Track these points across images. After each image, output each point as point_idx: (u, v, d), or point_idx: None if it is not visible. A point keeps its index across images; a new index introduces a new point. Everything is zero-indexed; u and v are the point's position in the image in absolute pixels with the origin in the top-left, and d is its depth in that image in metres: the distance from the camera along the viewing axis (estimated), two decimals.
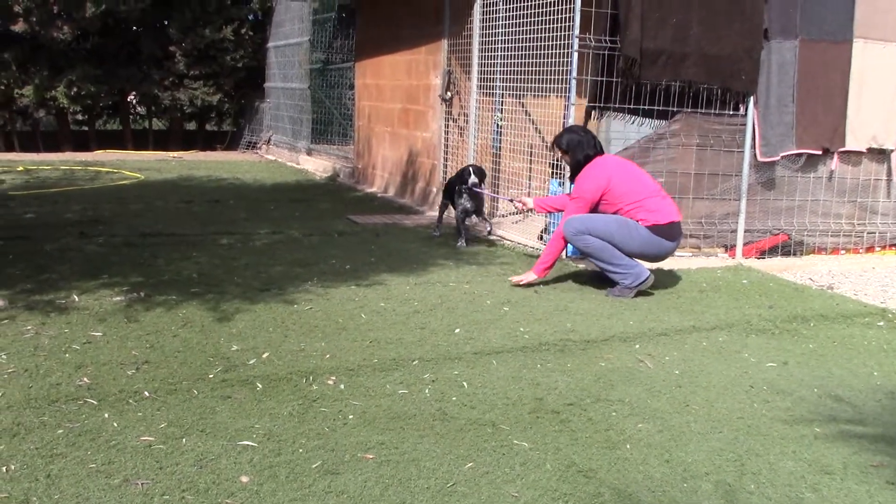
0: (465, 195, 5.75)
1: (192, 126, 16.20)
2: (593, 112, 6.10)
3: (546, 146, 6.50)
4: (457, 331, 4.24)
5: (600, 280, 5.40)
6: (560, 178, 6.25)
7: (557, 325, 4.43)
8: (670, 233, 5.24)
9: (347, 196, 9.39)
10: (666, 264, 5.90)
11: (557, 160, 6.30)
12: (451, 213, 6.87)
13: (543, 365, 3.80)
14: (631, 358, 3.96)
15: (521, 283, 5.13)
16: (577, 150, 5.22)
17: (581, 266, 5.84)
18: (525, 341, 4.12)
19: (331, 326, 4.22)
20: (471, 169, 6.08)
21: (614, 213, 5.14)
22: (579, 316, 4.63)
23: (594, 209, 5.36)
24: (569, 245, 6.02)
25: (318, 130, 12.31)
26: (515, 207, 5.58)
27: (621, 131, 6.31)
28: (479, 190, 5.86)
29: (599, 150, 5.27)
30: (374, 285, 5.12)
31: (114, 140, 14.75)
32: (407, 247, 6.45)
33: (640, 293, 5.14)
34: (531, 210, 5.57)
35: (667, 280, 5.62)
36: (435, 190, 8.37)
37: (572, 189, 5.25)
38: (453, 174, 6.91)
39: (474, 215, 5.94)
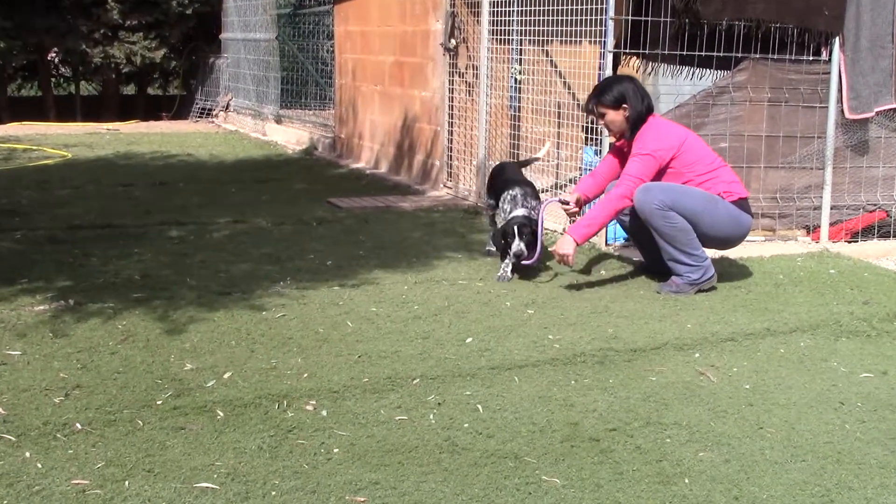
0: (517, 237, 5.24)
1: (130, 90, 16.23)
2: (635, 60, 6.09)
3: (578, 104, 6.50)
4: (468, 340, 4.26)
5: (650, 273, 5.41)
6: (596, 144, 6.26)
7: (596, 330, 4.44)
8: (749, 208, 5.26)
9: (327, 174, 9.38)
10: (732, 252, 5.91)
11: (591, 123, 6.28)
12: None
13: (579, 381, 3.81)
14: (689, 370, 3.96)
15: (560, 252, 5.01)
16: (635, 100, 5.11)
17: (615, 253, 5.88)
18: (555, 352, 4.13)
19: (309, 338, 4.24)
20: (517, 225, 5.30)
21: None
22: (623, 319, 4.64)
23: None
24: (614, 226, 6.02)
25: (289, 92, 12.31)
26: (566, 211, 5.36)
27: (672, 85, 6.29)
28: (535, 220, 5.42)
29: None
30: (363, 285, 5.13)
31: (32, 109, 14.79)
32: (404, 237, 6.46)
33: (699, 290, 5.15)
34: (582, 207, 5.43)
35: (733, 271, 5.61)
36: (438, 164, 8.39)
37: (633, 146, 5.16)
38: (497, 163, 6.42)
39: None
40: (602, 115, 5.21)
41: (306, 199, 7.78)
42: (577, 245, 5.03)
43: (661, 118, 5.28)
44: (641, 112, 5.11)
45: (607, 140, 6.02)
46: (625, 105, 5.11)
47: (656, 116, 5.21)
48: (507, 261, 5.34)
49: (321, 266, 5.54)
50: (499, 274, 5.32)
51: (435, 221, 7.00)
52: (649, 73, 6.14)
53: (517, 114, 7.35)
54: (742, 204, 5.13)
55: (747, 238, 5.99)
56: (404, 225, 6.85)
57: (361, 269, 5.49)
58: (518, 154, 7.25)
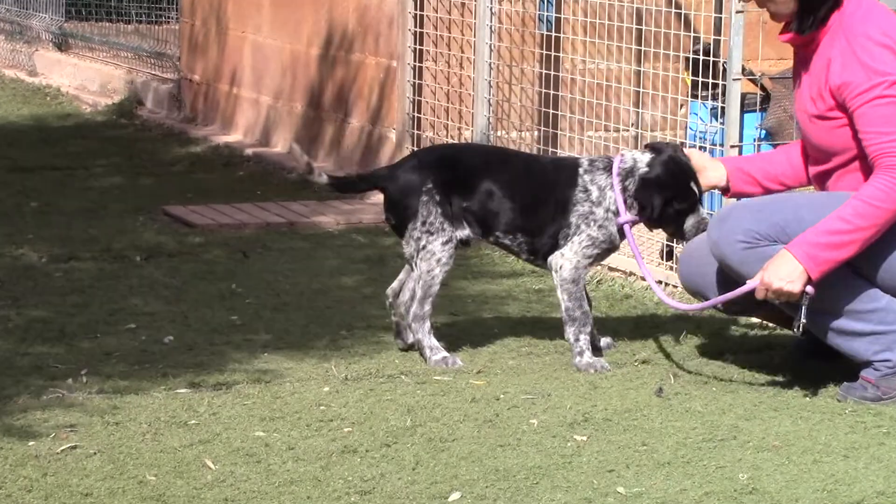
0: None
1: None
2: None
3: (679, 15, 6.53)
4: (453, 497, 4.24)
5: (817, 358, 5.43)
6: (714, 96, 6.31)
7: (715, 476, 4.42)
8: None
9: (166, 155, 9.42)
10: None
11: (700, 53, 6.34)
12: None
13: None
14: None
15: (775, 287, 4.96)
16: None
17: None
18: None
19: (128, 494, 4.20)
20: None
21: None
22: (769, 453, 4.62)
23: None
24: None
25: None
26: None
27: None
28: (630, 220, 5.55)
29: None
30: (238, 385, 5.13)
31: None
32: (323, 285, 6.50)
33: None
34: None
35: None
36: (393, 136, 8.42)
37: (826, 62, 5.09)
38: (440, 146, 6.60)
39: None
40: None
41: (121, 209, 7.77)
42: (811, 280, 4.97)
43: None
44: None
45: (736, 86, 6.06)
46: None
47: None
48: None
49: (152, 345, 5.54)
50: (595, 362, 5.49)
51: (385, 255, 7.00)
52: None
53: (554, 34, 7.43)
54: None
55: None
56: (323, 262, 6.88)
57: (236, 351, 5.49)
58: (551, 120, 7.27)
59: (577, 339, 5.44)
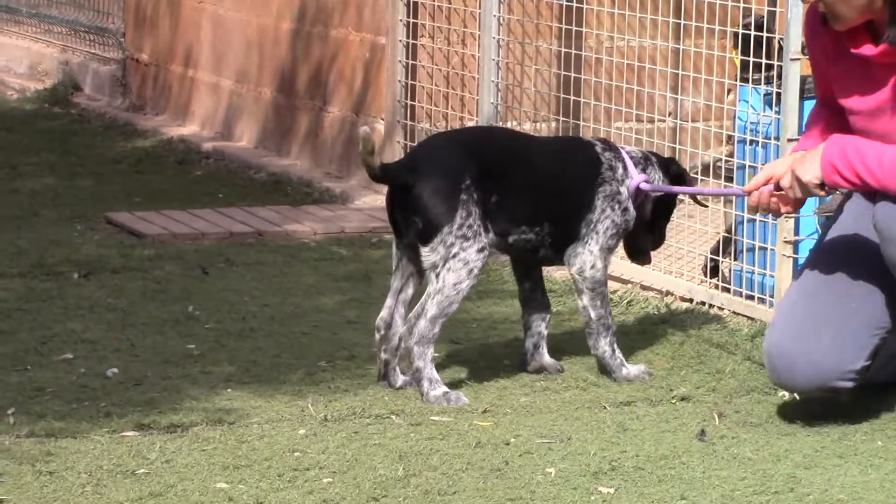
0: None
1: None
2: None
3: None
4: None
5: (881, 387, 5.49)
6: (766, 80, 6.36)
7: None
8: None
9: (109, 151, 9.48)
10: None
11: (752, 29, 6.39)
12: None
13: None
14: None
15: (788, 182, 5.08)
16: None
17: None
18: None
19: None
20: None
21: None
22: None
23: None
24: None
25: None
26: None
27: None
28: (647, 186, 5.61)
29: None
30: (195, 427, 5.14)
31: None
32: (298, 308, 6.55)
33: None
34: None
35: None
36: (381, 129, 8.46)
37: None
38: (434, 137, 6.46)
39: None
40: None
41: (55, 216, 7.82)
42: (823, 186, 5.09)
43: None
44: None
45: (794, 68, 6.09)
46: None
47: None
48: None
49: (93, 380, 5.56)
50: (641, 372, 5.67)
51: (372, 271, 7.05)
52: None
53: (575, 5, 7.45)
54: None
55: None
56: (298, 279, 6.94)
57: (193, 387, 5.51)
58: (579, 106, 7.32)
59: (614, 351, 5.58)
